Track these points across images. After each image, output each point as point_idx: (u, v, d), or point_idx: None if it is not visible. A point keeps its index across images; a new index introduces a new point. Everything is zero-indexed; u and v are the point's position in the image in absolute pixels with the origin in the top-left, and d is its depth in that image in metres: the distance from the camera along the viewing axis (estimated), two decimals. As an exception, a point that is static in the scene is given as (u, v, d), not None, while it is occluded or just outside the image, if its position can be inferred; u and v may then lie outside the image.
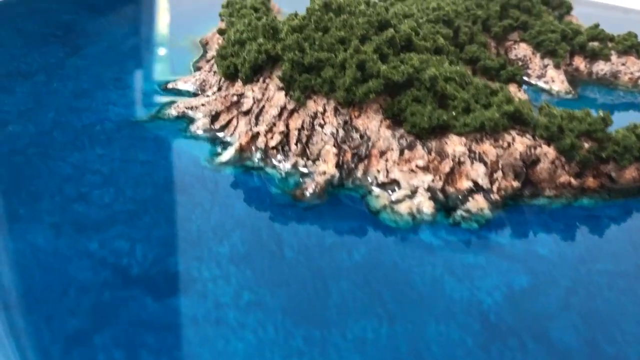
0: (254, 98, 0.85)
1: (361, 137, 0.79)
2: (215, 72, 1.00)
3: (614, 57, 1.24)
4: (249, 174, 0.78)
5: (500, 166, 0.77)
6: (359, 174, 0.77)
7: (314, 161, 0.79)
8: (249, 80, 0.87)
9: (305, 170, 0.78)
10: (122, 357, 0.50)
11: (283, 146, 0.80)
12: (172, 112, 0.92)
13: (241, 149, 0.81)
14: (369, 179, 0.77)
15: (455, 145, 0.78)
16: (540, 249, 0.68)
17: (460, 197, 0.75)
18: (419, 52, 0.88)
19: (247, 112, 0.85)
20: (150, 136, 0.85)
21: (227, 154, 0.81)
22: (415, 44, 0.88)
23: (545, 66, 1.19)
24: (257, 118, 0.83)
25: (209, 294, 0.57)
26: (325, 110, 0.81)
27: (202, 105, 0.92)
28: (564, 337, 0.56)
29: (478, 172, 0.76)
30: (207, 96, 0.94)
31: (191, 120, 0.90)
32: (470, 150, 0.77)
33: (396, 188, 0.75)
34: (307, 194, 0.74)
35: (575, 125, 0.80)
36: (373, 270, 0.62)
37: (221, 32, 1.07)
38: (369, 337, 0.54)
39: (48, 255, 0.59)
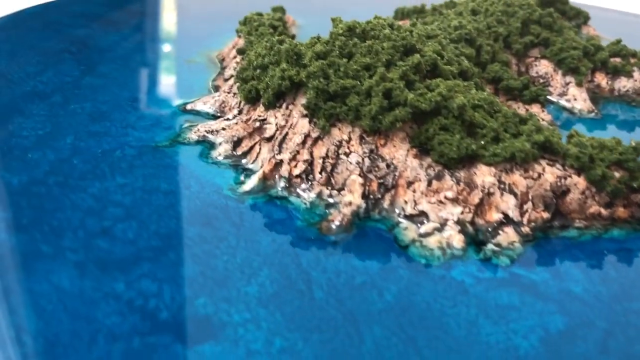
0: (277, 124, 0.84)
1: (387, 166, 0.77)
2: (235, 94, 0.98)
3: (636, 74, 1.22)
4: (273, 203, 0.76)
5: (530, 197, 0.76)
6: (386, 204, 0.76)
7: (339, 191, 0.77)
8: (271, 106, 0.85)
9: (330, 200, 0.76)
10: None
11: (307, 175, 0.79)
12: (193, 136, 0.90)
13: (264, 177, 0.79)
14: (396, 211, 0.75)
15: (484, 175, 0.76)
16: (574, 287, 0.67)
17: (490, 229, 0.74)
18: (444, 77, 0.86)
19: (269, 139, 0.84)
20: (172, 163, 0.83)
21: (250, 183, 0.79)
22: (440, 68, 0.86)
23: (567, 84, 1.17)
24: (280, 145, 0.82)
25: (240, 341, 0.55)
26: (350, 139, 0.79)
27: (223, 129, 0.90)
28: (606, 386, 0.54)
29: (508, 203, 0.74)
30: (228, 119, 0.93)
31: (212, 145, 0.88)
32: (499, 181, 0.76)
33: (425, 220, 0.74)
34: (333, 226, 0.72)
35: (605, 154, 0.78)
36: (406, 313, 0.60)
37: (240, 51, 1.06)
38: (405, 387, 0.52)
39: (74, 299, 0.58)
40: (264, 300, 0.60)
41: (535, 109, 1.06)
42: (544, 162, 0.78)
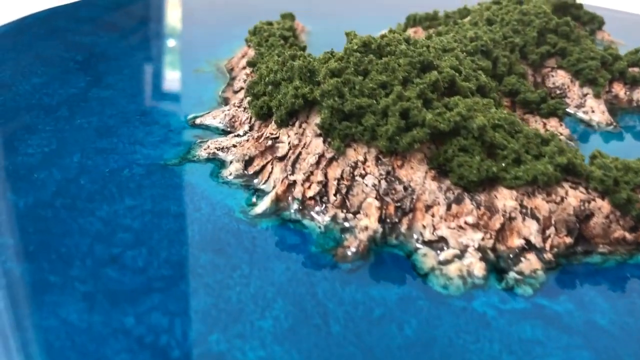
0: (289, 144, 0.81)
1: (405, 189, 0.75)
2: (245, 109, 0.96)
3: (655, 85, 1.19)
4: (286, 227, 0.74)
5: (553, 222, 0.73)
6: (403, 228, 0.73)
7: (354, 214, 0.75)
8: (284, 124, 0.83)
9: (345, 224, 0.74)
10: None
11: (321, 197, 0.76)
12: (202, 153, 0.88)
13: (277, 199, 0.77)
14: (414, 236, 0.73)
15: (505, 199, 0.73)
16: (600, 319, 0.64)
17: (511, 256, 0.71)
18: (462, 94, 0.83)
19: (282, 158, 0.81)
20: (181, 183, 0.81)
21: (263, 205, 0.77)
22: (458, 85, 0.83)
23: (585, 95, 1.14)
24: (293, 165, 0.79)
25: (256, 382, 0.53)
26: (366, 160, 0.77)
27: (234, 146, 0.88)
28: None
29: (530, 229, 0.72)
30: (239, 135, 0.90)
31: (222, 163, 0.86)
32: (521, 205, 0.73)
33: (444, 246, 0.71)
34: (349, 253, 0.70)
35: (630, 177, 0.75)
36: (427, 349, 0.58)
37: (250, 64, 1.03)
38: None
39: (82, 334, 0.56)
40: (279, 336, 0.58)
41: (552, 122, 1.03)
42: (566, 185, 0.75)
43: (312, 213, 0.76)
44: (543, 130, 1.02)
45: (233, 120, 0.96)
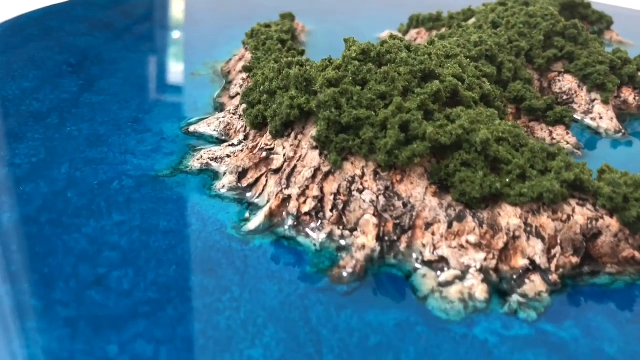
0: (285, 156, 0.78)
1: (404, 205, 0.72)
2: (240, 116, 0.93)
3: (666, 89, 1.15)
4: (280, 245, 0.71)
5: (558, 241, 0.70)
6: (402, 247, 0.70)
7: (351, 231, 0.72)
8: (279, 135, 0.80)
9: (341, 242, 0.71)
10: None
11: (317, 212, 0.73)
12: (195, 164, 0.85)
13: (271, 214, 0.74)
14: (414, 255, 0.69)
15: (509, 217, 0.70)
16: (608, 348, 0.61)
17: (515, 277, 0.68)
18: (465, 104, 0.80)
19: (277, 171, 0.78)
20: (172, 196, 0.78)
21: (256, 221, 0.74)
22: (461, 95, 0.80)
23: (593, 101, 1.10)
24: (288, 179, 0.76)
25: (243, 418, 0.50)
26: (364, 174, 0.73)
27: (228, 156, 0.85)
28: None
29: (535, 249, 0.69)
30: (233, 145, 0.87)
31: (215, 174, 0.83)
32: (526, 223, 0.70)
33: (445, 267, 0.68)
34: (345, 274, 0.67)
35: (641, 193, 0.72)
36: (425, 381, 0.55)
37: (247, 69, 1.00)
38: None
39: (63, 365, 0.53)
40: (270, 366, 0.55)
41: (559, 130, 0.99)
42: (573, 202, 0.72)
43: (307, 229, 0.73)
44: (549, 139, 0.99)
45: (228, 128, 0.93)
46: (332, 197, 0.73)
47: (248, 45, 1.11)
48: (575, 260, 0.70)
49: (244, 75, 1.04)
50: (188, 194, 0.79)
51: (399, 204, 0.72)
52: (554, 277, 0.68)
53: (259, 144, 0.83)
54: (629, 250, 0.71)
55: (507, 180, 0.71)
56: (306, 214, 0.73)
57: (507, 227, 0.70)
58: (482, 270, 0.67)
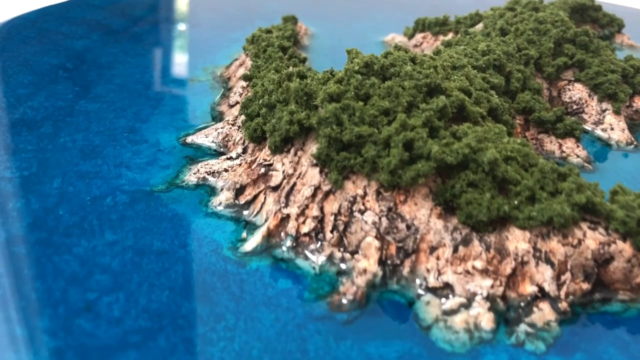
0: (284, 172, 0.75)
1: (408, 227, 0.69)
2: (239, 127, 0.90)
3: (679, 99, 1.12)
4: (278, 267, 0.68)
5: (569, 267, 0.67)
6: (405, 272, 0.67)
7: (352, 254, 0.69)
8: (278, 150, 0.77)
9: (342, 265, 0.68)
10: None
11: (317, 233, 0.70)
12: (192, 178, 0.82)
13: (269, 235, 0.71)
14: (417, 281, 0.67)
15: (517, 241, 0.67)
16: (621, 383, 0.58)
17: (522, 305, 0.65)
18: (472, 120, 0.77)
19: (275, 188, 0.76)
20: (167, 213, 0.75)
21: (253, 241, 0.71)
22: (468, 110, 0.77)
23: (604, 111, 1.07)
24: (287, 197, 0.73)
25: None
26: (365, 194, 0.70)
27: (225, 170, 0.82)
28: None
29: (544, 275, 0.66)
30: (231, 158, 0.84)
31: (212, 190, 0.80)
32: (535, 248, 0.67)
33: (449, 294, 0.65)
34: (345, 302, 0.64)
35: (656, 216, 0.69)
36: (428, 421, 0.52)
37: (246, 77, 0.97)
38: None
39: (47, 403, 0.51)
40: (265, 404, 0.52)
41: (569, 143, 0.96)
42: (584, 226, 0.69)
43: (307, 251, 0.70)
44: (559, 152, 0.95)
45: (226, 139, 0.90)
46: (332, 218, 0.70)
47: (248, 51, 1.08)
48: (586, 286, 0.67)
49: (244, 83, 1.01)
50: (183, 211, 0.76)
51: (402, 226, 0.69)
52: (563, 305, 0.65)
53: (258, 159, 0.80)
54: (642, 276, 0.68)
55: (516, 202, 0.68)
56: (305, 234, 0.71)
57: (515, 252, 0.67)
58: (488, 298, 0.64)
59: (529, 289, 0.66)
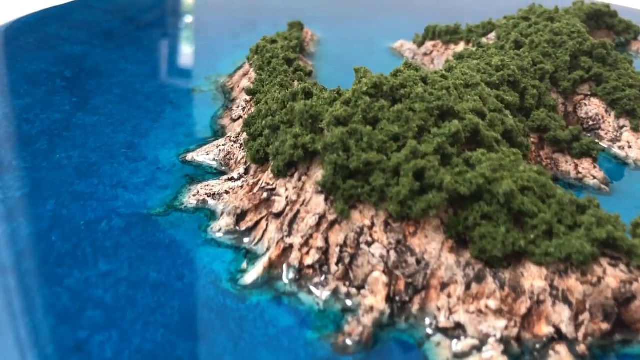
0: (287, 198, 0.72)
1: (417, 262, 0.65)
2: (241, 145, 0.86)
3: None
4: (279, 302, 0.65)
5: (587, 306, 0.63)
6: (415, 309, 0.64)
7: (358, 289, 0.65)
8: (281, 174, 0.73)
9: (347, 302, 0.64)
10: None
11: (321, 266, 0.67)
12: (191, 201, 0.79)
13: (270, 266, 0.68)
14: (427, 320, 0.63)
15: (533, 278, 0.63)
16: None
17: (538, 347, 0.61)
18: (487, 145, 0.73)
19: (278, 215, 0.72)
20: (164, 240, 0.72)
21: (254, 273, 0.67)
22: (482, 134, 0.73)
23: (621, 128, 1.03)
24: (290, 225, 0.70)
25: None
26: (373, 225, 0.67)
27: (226, 192, 0.78)
28: None
29: (561, 315, 0.62)
30: (232, 179, 0.81)
31: (212, 213, 0.77)
32: (552, 286, 0.63)
33: (461, 334, 0.61)
34: (350, 342, 0.60)
35: (681, 253, 0.65)
36: None
37: (250, 92, 0.93)
38: None
39: None
40: None
41: (585, 164, 0.92)
42: (605, 262, 0.65)
43: (310, 285, 0.66)
44: (574, 173, 0.91)
45: (228, 157, 0.87)
46: (338, 249, 0.67)
47: (252, 62, 1.04)
48: (605, 327, 0.63)
49: (247, 97, 0.97)
50: (181, 237, 0.73)
51: (411, 260, 0.65)
52: (581, 347, 0.61)
53: (260, 182, 0.76)
54: (665, 315, 0.64)
55: (532, 236, 0.64)
56: (309, 266, 0.67)
57: (530, 290, 0.63)
58: (502, 340, 0.60)
59: (545, 329, 0.62)
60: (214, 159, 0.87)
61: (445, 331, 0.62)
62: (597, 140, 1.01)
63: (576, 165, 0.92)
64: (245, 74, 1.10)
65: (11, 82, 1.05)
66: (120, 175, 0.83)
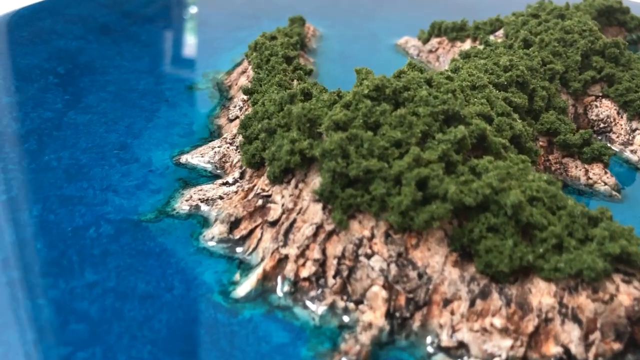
0: (283, 206, 0.68)
1: (419, 276, 0.62)
2: (237, 147, 0.83)
3: None
4: (273, 317, 0.62)
5: (598, 325, 0.59)
6: (416, 326, 0.60)
7: (356, 303, 0.62)
8: (278, 181, 0.70)
9: (345, 317, 0.61)
10: None
11: (318, 278, 0.64)
12: (184, 206, 0.75)
13: (264, 277, 0.65)
14: (429, 338, 0.60)
15: (542, 294, 0.60)
16: None
17: (545, 368, 0.58)
18: (494, 152, 0.69)
19: (274, 223, 0.69)
20: (155, 249, 0.69)
21: (247, 285, 0.64)
22: (489, 140, 0.69)
23: (634, 131, 0.99)
24: (286, 235, 0.66)
25: None
26: (373, 236, 0.63)
27: (220, 197, 0.75)
28: None
29: (570, 335, 0.59)
30: (227, 183, 0.78)
31: (205, 220, 0.73)
32: (561, 303, 0.60)
33: (464, 354, 0.58)
34: (348, 361, 0.57)
35: (698, 269, 0.61)
36: None
37: (247, 91, 0.89)
38: None
39: None
40: None
41: (596, 169, 0.88)
42: (617, 278, 0.61)
43: (306, 299, 0.63)
44: (584, 178, 0.88)
45: (223, 160, 0.83)
46: (335, 262, 0.63)
47: (251, 59, 1.01)
48: (617, 346, 0.60)
49: (245, 97, 0.93)
50: (172, 245, 0.70)
51: (413, 274, 0.62)
52: (592, 369, 0.58)
53: (256, 188, 0.73)
54: (680, 335, 0.61)
55: (541, 250, 0.61)
56: (305, 279, 0.64)
57: (538, 307, 0.60)
58: (508, 360, 0.57)
59: (553, 349, 0.59)
60: (208, 162, 0.84)
61: (447, 350, 0.59)
62: (608, 144, 0.98)
63: (586, 171, 0.88)
64: (244, 72, 1.06)
65: (3, 78, 1.02)
66: (111, 178, 0.80)
